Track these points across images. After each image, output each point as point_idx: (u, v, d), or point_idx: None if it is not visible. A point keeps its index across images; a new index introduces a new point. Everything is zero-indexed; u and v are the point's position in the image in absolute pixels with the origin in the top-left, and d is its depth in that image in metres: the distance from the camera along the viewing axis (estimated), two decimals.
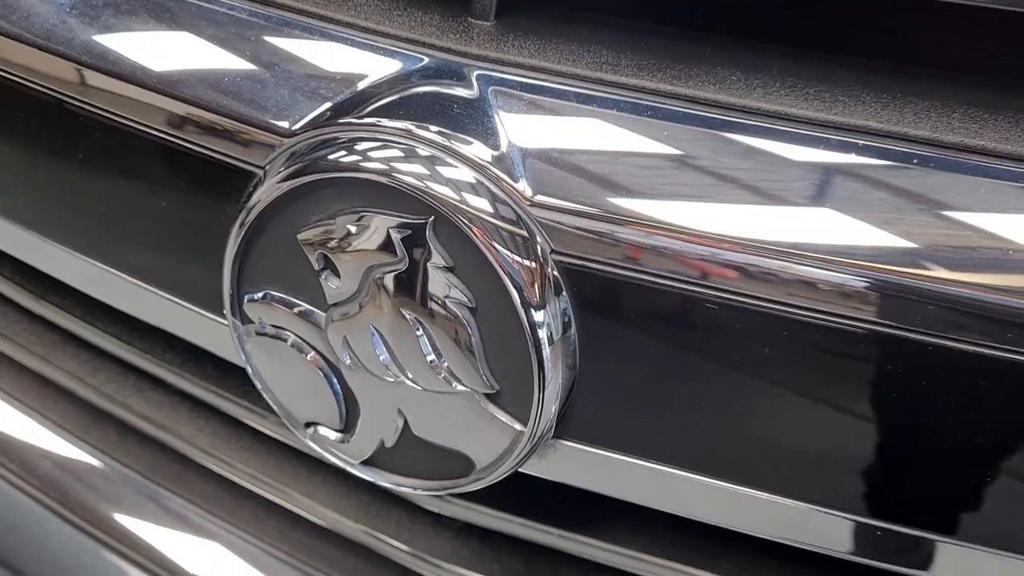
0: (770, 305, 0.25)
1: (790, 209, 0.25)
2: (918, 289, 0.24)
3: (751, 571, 0.34)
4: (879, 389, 0.26)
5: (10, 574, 0.51)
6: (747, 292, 0.25)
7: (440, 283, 0.27)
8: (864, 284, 0.24)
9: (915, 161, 0.25)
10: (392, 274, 0.27)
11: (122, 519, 0.50)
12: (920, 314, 0.24)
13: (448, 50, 0.28)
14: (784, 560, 0.34)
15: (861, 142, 0.25)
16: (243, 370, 0.35)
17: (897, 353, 0.24)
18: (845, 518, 0.28)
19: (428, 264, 0.27)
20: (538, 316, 0.27)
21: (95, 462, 0.51)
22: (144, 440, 0.48)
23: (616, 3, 0.30)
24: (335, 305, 0.29)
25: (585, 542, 0.35)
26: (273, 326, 0.30)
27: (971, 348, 0.23)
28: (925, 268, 0.24)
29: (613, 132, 0.27)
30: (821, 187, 0.26)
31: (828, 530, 0.29)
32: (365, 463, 0.32)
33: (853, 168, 0.25)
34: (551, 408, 0.28)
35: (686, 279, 0.26)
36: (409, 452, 0.30)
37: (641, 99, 0.27)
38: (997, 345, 0.23)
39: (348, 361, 0.29)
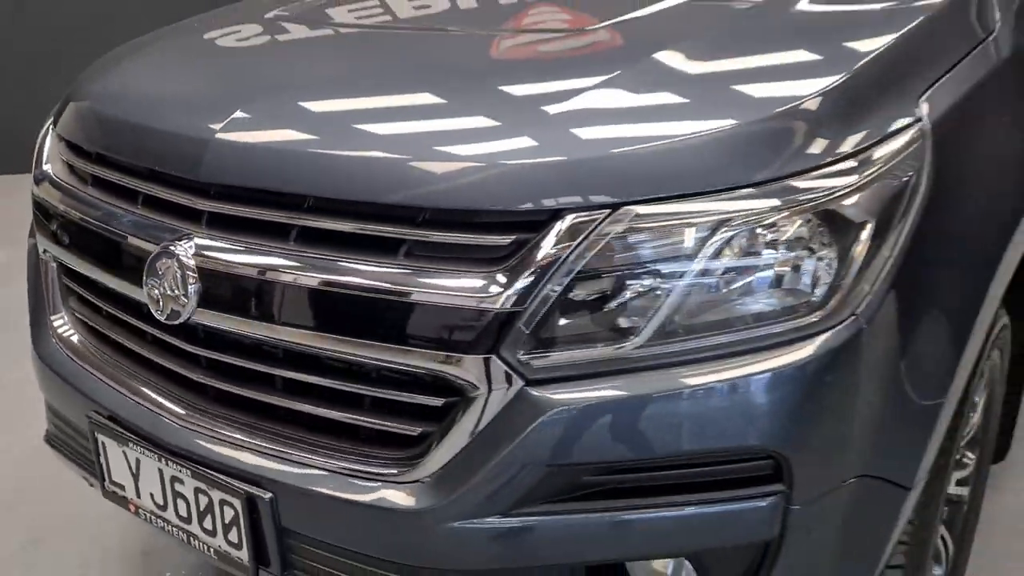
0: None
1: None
2: None
3: None
4: None
5: None
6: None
7: (172, 273, 1.32)
8: None
9: None
10: (169, 270, 1.33)
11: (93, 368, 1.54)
12: None
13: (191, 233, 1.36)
14: None
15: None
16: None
17: None
18: None
19: (174, 267, 1.32)
20: (192, 286, 1.31)
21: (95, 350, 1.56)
22: (116, 344, 1.53)
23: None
24: (160, 276, 1.34)
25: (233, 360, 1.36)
26: (153, 289, 1.35)
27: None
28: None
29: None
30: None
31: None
32: (167, 318, 1.35)
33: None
34: (193, 303, 1.30)
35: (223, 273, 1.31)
36: (171, 312, 1.33)
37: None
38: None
39: (162, 291, 1.34)
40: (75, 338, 1.63)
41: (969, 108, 1.37)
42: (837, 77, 1.22)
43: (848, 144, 1.17)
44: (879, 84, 1.27)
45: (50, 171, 1.66)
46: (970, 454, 1.85)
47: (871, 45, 1.33)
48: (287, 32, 1.79)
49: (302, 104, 1.35)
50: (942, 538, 1.82)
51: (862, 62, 1.28)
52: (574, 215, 1.10)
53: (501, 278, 1.12)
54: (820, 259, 1.14)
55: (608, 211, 1.10)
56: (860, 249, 1.15)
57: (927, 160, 1.23)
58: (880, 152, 1.19)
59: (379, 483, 1.22)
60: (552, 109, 1.21)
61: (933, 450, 1.29)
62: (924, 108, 1.27)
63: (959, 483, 1.85)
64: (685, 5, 1.65)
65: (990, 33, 1.58)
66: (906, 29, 1.39)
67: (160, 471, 1.40)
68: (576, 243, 1.09)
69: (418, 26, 1.80)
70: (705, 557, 1.21)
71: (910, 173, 1.21)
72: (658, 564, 1.25)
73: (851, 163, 1.16)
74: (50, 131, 1.72)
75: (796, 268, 1.13)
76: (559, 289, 1.10)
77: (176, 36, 1.87)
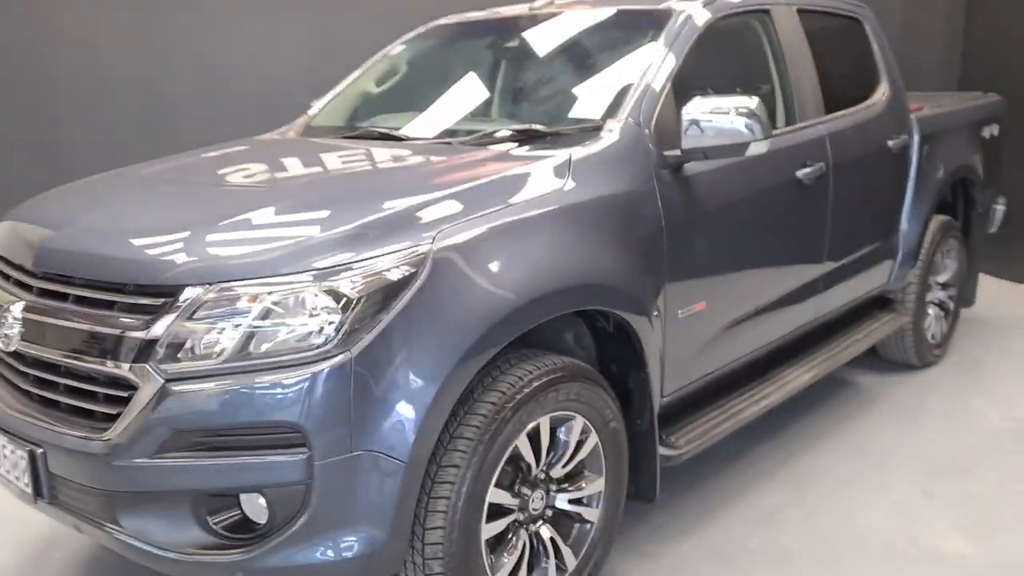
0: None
1: None
2: None
3: None
4: None
5: None
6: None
7: (9, 321, 2.29)
8: None
9: None
10: (7, 319, 2.31)
11: None
12: None
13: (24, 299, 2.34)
14: None
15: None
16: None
17: None
18: None
19: (10, 318, 2.30)
20: (15, 328, 2.28)
21: None
22: None
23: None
24: (3, 324, 2.31)
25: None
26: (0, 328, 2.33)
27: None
28: None
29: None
30: None
31: None
32: (6, 346, 2.31)
33: None
34: (17, 338, 2.27)
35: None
36: (12, 341, 2.30)
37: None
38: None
39: (3, 332, 2.31)
40: None
41: (479, 241, 2.26)
42: (354, 222, 2.17)
43: (360, 253, 2.09)
44: (398, 223, 2.19)
45: None
46: (589, 477, 2.61)
47: (409, 202, 2.27)
48: (136, 183, 2.86)
49: (90, 228, 2.36)
50: (552, 540, 2.57)
51: (388, 211, 2.22)
52: (191, 288, 2.04)
53: (152, 320, 2.06)
54: (330, 316, 2.03)
55: (208, 286, 2.04)
56: (357, 313, 2.04)
57: (426, 269, 2.13)
58: (381, 260, 2.10)
59: (92, 442, 2.12)
60: (194, 238, 2.20)
61: (427, 442, 2.12)
62: (433, 238, 2.18)
63: (573, 502, 2.61)
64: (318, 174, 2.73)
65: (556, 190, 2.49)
66: (436, 193, 2.34)
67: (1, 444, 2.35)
68: (189, 302, 2.03)
69: (193, 181, 2.86)
70: (271, 493, 2.06)
71: (407, 274, 2.11)
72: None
73: (359, 265, 2.08)
74: None
75: (314, 321, 2.03)
76: (178, 327, 2.03)
77: (71, 187, 2.94)
